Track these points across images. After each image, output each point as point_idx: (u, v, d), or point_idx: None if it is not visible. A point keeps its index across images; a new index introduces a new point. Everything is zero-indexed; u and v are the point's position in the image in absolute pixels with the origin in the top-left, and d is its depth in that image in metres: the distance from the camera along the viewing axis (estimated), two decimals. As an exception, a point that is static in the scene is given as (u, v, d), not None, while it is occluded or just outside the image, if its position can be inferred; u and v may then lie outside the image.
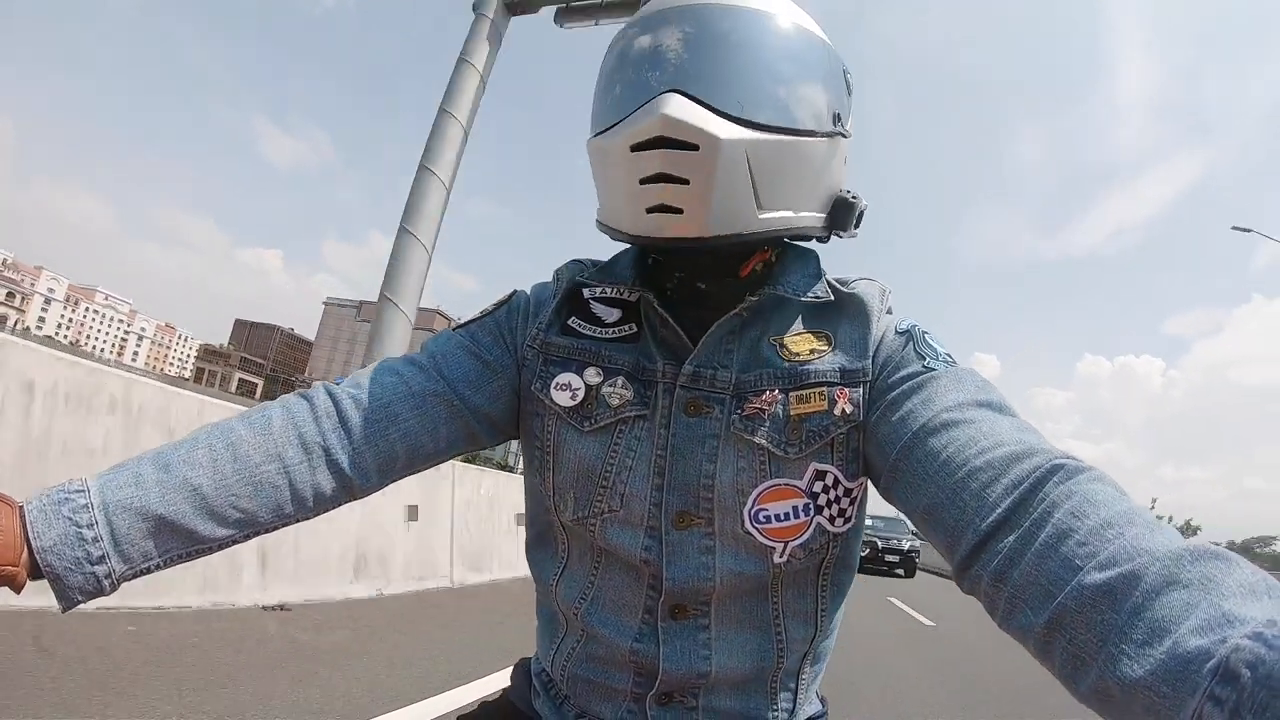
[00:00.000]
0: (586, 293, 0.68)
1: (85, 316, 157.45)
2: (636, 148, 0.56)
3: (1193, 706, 0.31)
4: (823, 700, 0.73)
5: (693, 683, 0.63)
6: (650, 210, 0.57)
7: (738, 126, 0.55)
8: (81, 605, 0.50)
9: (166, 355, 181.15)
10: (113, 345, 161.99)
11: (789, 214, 0.60)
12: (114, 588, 0.51)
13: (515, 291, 0.72)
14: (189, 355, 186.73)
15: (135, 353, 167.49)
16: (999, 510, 0.46)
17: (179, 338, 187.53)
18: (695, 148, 0.55)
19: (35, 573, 0.48)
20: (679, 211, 0.56)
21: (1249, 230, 18.53)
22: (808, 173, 0.61)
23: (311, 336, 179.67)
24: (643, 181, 0.56)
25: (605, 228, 0.65)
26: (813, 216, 0.63)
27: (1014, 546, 0.44)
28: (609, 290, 0.67)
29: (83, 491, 0.50)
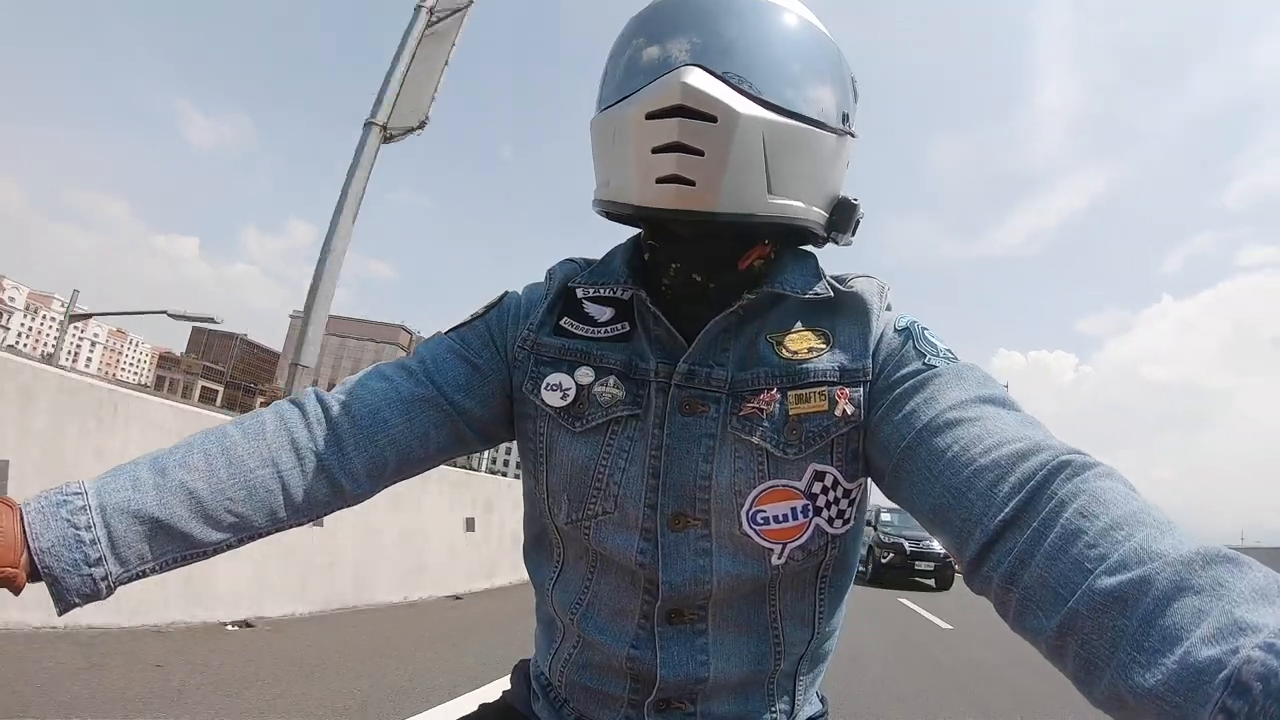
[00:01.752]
0: (579, 292, 0.67)
1: (43, 324, 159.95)
2: (652, 115, 0.56)
3: (1205, 718, 0.31)
4: (823, 700, 0.73)
5: (690, 689, 0.63)
6: (661, 180, 0.56)
7: (756, 105, 0.56)
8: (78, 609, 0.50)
9: (119, 361, 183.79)
10: (68, 352, 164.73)
11: (797, 203, 0.60)
12: (110, 591, 0.51)
13: (506, 293, 0.72)
14: (140, 360, 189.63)
15: (89, 359, 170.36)
16: (1007, 509, 0.46)
17: (130, 343, 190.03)
18: (713, 119, 0.55)
19: (34, 575, 0.48)
20: (691, 184, 0.56)
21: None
22: (817, 165, 0.61)
23: (260, 339, 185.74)
24: (656, 150, 0.56)
25: (607, 204, 0.64)
26: (817, 212, 0.63)
27: (1023, 548, 0.44)
28: (602, 289, 0.66)
29: (80, 494, 0.50)
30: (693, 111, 0.54)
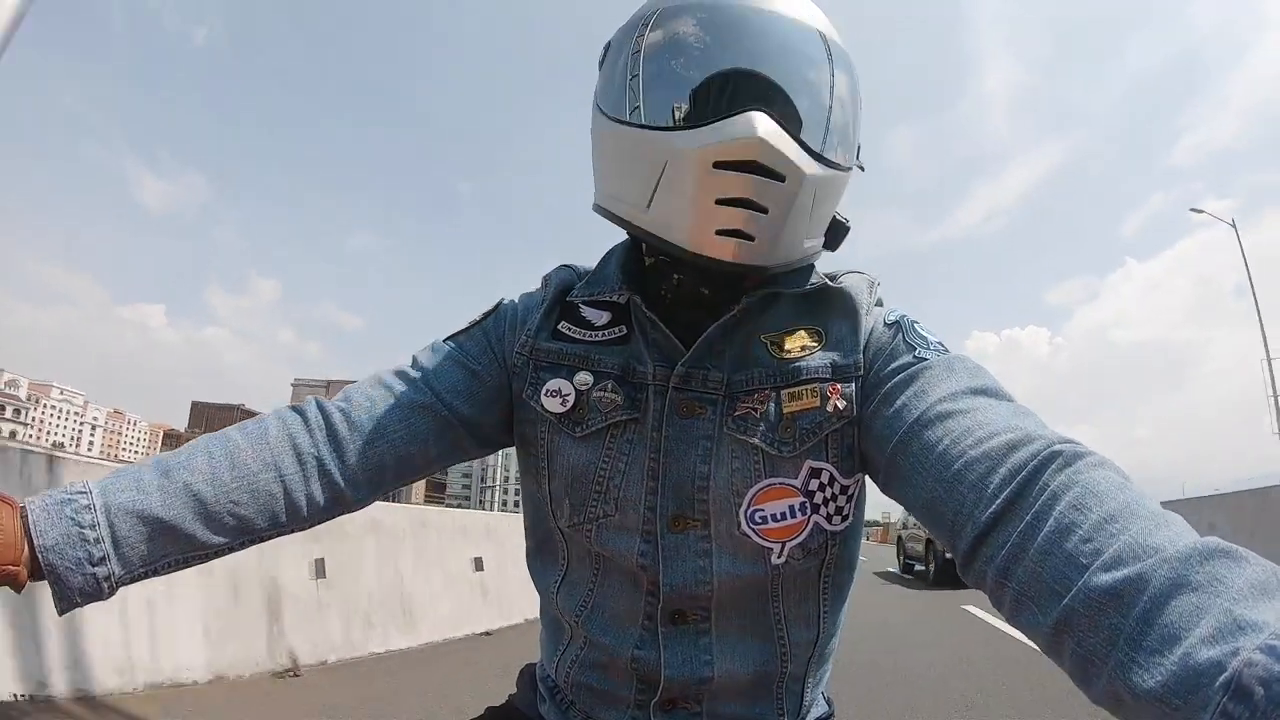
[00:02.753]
0: (576, 297, 0.68)
1: (45, 414, 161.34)
2: (721, 165, 0.54)
3: None
4: (829, 701, 0.73)
5: (695, 689, 0.63)
6: (721, 233, 0.56)
7: (814, 161, 0.57)
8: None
9: (119, 441, 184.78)
10: (70, 438, 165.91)
11: (817, 241, 0.64)
12: (112, 592, 0.51)
13: (502, 300, 0.72)
14: (140, 439, 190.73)
15: (90, 442, 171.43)
16: (998, 502, 0.45)
17: (128, 422, 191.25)
18: (783, 179, 0.55)
19: (35, 573, 0.48)
20: (751, 239, 0.56)
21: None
22: (835, 203, 0.64)
23: (256, 405, 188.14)
24: (720, 202, 0.55)
25: (640, 232, 0.62)
26: (821, 240, 0.66)
27: (1016, 542, 0.43)
28: (598, 293, 0.67)
29: (85, 493, 0.51)
30: (766, 169, 0.54)
